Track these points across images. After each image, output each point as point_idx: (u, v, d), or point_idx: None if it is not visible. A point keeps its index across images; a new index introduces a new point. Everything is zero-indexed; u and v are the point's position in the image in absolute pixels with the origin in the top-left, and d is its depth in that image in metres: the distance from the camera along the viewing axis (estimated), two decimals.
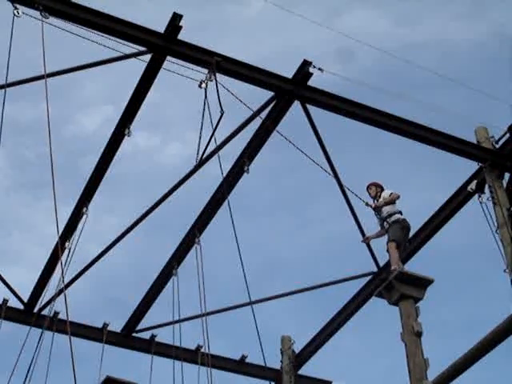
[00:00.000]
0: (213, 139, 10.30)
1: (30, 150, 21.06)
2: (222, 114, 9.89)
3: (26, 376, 10.73)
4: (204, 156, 10.92)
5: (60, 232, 8.98)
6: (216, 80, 10.05)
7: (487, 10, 24.70)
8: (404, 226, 11.34)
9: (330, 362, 17.34)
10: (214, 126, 9.99)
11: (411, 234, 11.84)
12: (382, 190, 11.78)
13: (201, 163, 11.08)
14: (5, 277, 12.50)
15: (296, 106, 10.92)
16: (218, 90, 9.97)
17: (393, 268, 10.27)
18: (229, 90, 10.07)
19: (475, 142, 12.01)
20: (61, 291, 11.22)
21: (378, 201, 11.66)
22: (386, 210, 11.49)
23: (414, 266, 11.97)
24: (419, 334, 8.98)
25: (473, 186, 11.79)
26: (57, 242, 11.79)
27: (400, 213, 11.48)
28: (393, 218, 11.35)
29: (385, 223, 11.45)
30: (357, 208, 12.05)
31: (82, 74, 10.40)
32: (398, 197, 11.58)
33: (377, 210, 11.54)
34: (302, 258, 22.04)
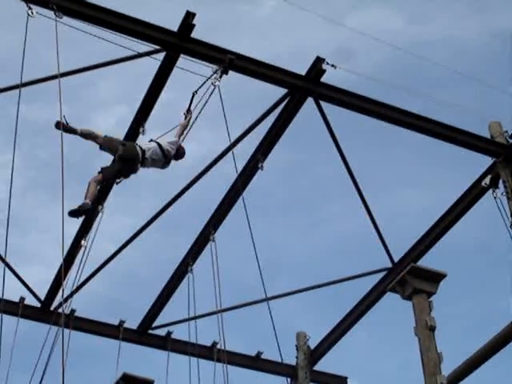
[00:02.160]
0: (227, 137, 10.35)
1: (46, 151, 21.14)
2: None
3: (43, 374, 10.81)
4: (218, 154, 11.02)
5: (77, 230, 9.14)
6: (222, 74, 10.10)
7: (497, 7, 24.63)
8: None
9: (345, 357, 17.38)
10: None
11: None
12: None
13: (215, 160, 11.18)
14: (22, 275, 12.63)
15: (309, 104, 10.99)
16: (219, 89, 9.99)
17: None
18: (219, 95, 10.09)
19: (489, 136, 12.03)
20: (77, 289, 11.33)
21: None
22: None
23: (429, 261, 12.03)
24: (433, 329, 8.99)
25: (487, 180, 11.81)
26: (74, 239, 11.92)
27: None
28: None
29: None
30: (371, 206, 12.15)
31: (96, 74, 10.50)
32: None
33: None
34: (316, 256, 22.05)
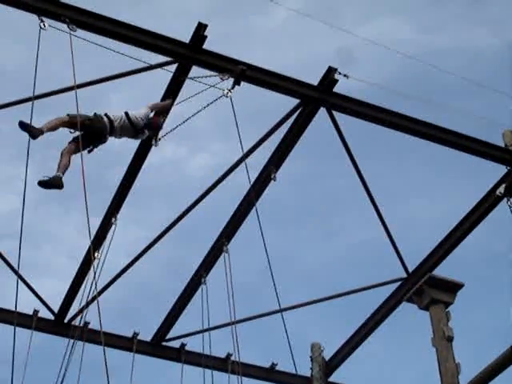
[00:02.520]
0: (239, 148, 10.35)
1: None
2: None
3: None
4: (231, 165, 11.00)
5: (90, 241, 9.14)
6: (233, 87, 10.14)
7: (508, 16, 24.58)
8: None
9: (360, 368, 17.26)
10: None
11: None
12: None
13: (228, 172, 11.17)
14: (36, 288, 12.62)
15: (321, 113, 10.95)
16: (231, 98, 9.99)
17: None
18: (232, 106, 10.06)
19: (503, 145, 11.97)
20: (91, 301, 11.29)
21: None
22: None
23: (443, 271, 11.95)
24: (450, 339, 8.95)
25: (501, 189, 11.74)
26: (88, 249, 11.93)
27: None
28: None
29: None
30: (385, 215, 12.08)
31: (108, 86, 10.51)
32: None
33: None
34: (330, 266, 22.02)
